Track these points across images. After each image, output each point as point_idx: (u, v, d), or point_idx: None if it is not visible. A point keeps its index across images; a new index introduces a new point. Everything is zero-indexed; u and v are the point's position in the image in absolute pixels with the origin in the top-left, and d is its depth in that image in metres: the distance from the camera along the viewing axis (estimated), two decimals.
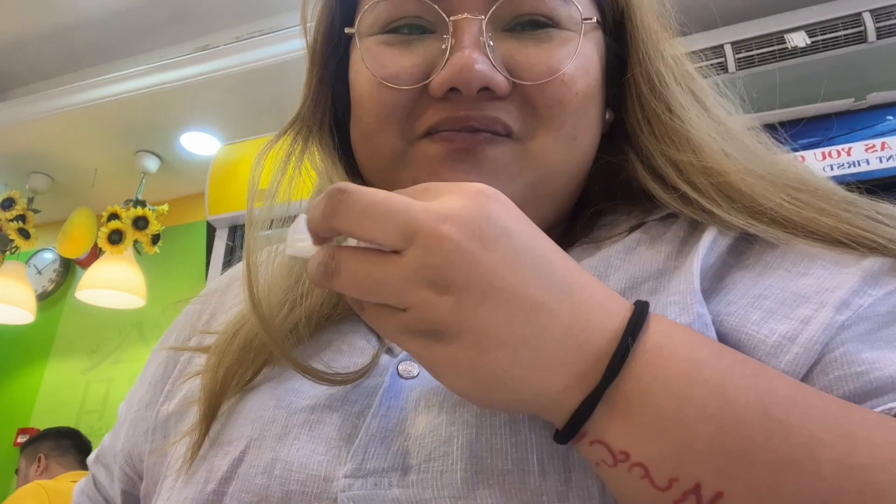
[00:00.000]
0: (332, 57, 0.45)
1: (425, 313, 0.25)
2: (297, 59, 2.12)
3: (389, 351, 0.37)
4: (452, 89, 0.35)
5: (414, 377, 0.34)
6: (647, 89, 0.40)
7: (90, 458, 0.53)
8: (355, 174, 0.44)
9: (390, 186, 0.29)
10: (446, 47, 0.36)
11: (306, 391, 0.35)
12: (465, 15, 0.35)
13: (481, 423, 0.30)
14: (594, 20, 0.39)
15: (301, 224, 0.28)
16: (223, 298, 0.49)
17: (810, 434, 0.23)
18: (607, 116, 0.43)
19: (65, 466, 2.00)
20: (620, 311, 0.26)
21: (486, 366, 0.25)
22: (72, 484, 1.85)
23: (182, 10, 2.28)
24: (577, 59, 0.37)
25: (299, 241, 0.28)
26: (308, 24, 0.45)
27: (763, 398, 0.24)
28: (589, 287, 0.27)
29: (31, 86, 2.66)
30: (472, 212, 0.25)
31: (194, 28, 2.36)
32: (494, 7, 0.36)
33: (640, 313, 0.26)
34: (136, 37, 2.41)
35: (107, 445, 0.50)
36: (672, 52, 0.44)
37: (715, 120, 0.42)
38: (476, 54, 0.35)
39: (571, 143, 0.38)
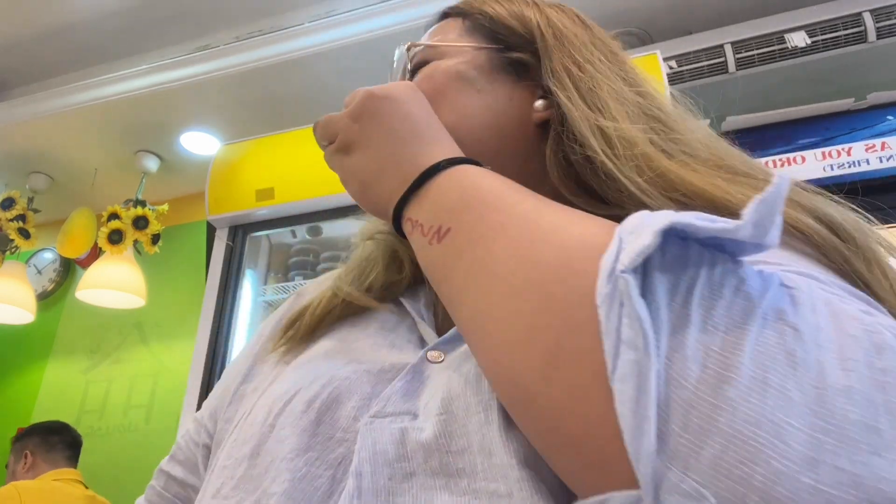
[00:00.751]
0: None
1: (345, 134, 0.45)
2: (297, 58, 2.12)
3: (424, 343, 0.47)
4: None
5: (439, 362, 0.43)
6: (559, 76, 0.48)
7: (164, 460, 0.58)
8: None
9: None
10: None
11: (349, 362, 0.45)
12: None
13: (472, 400, 0.37)
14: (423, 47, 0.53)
15: None
16: (316, 291, 0.58)
17: (529, 222, 0.33)
18: (537, 105, 0.50)
19: (51, 464, 1.97)
20: (444, 156, 0.40)
21: (364, 172, 0.43)
22: (54, 483, 1.86)
23: (182, 10, 2.28)
24: (422, 77, 0.52)
25: None
26: None
27: (507, 195, 0.35)
28: (438, 142, 0.42)
29: (31, 85, 2.66)
30: (385, 89, 0.44)
31: (194, 28, 2.36)
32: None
33: (444, 165, 0.39)
34: (136, 36, 2.41)
35: (192, 429, 0.58)
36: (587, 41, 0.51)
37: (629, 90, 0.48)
38: None
39: (451, 117, 0.49)
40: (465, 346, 0.42)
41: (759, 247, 0.26)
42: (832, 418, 0.22)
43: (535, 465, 0.33)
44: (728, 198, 0.37)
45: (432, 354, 0.43)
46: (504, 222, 0.33)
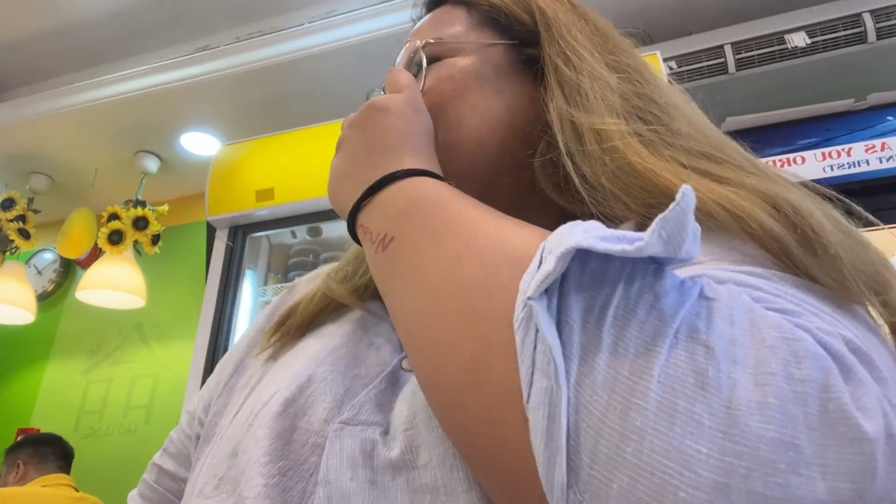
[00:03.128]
0: None
1: (341, 136, 0.46)
2: (296, 59, 2.12)
3: (401, 349, 0.46)
4: None
5: (412, 370, 0.42)
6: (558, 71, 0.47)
7: (157, 454, 0.59)
8: None
9: None
10: None
11: (328, 361, 0.44)
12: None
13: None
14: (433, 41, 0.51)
15: None
16: (307, 287, 0.58)
17: (465, 233, 0.33)
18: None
19: (42, 472, 1.98)
20: (405, 167, 0.40)
21: (337, 172, 0.44)
22: (42, 489, 1.85)
23: (182, 11, 2.28)
24: (443, 77, 0.50)
25: None
26: None
27: (451, 206, 0.35)
28: (408, 155, 0.41)
29: (31, 86, 2.67)
30: (384, 101, 0.44)
31: (194, 28, 2.36)
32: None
33: (401, 175, 0.39)
34: (136, 37, 2.41)
35: (184, 422, 0.58)
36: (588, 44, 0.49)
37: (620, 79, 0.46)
38: None
39: (473, 120, 0.48)
40: None
41: (678, 260, 0.25)
42: (745, 439, 0.21)
43: None
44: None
45: (406, 362, 0.43)
46: (439, 232, 0.33)
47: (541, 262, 0.26)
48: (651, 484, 0.21)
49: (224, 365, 0.56)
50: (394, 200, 0.38)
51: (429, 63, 0.50)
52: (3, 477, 2.01)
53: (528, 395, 0.24)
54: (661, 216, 0.24)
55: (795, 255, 0.32)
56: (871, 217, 0.39)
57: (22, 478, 1.96)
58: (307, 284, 0.59)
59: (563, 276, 0.25)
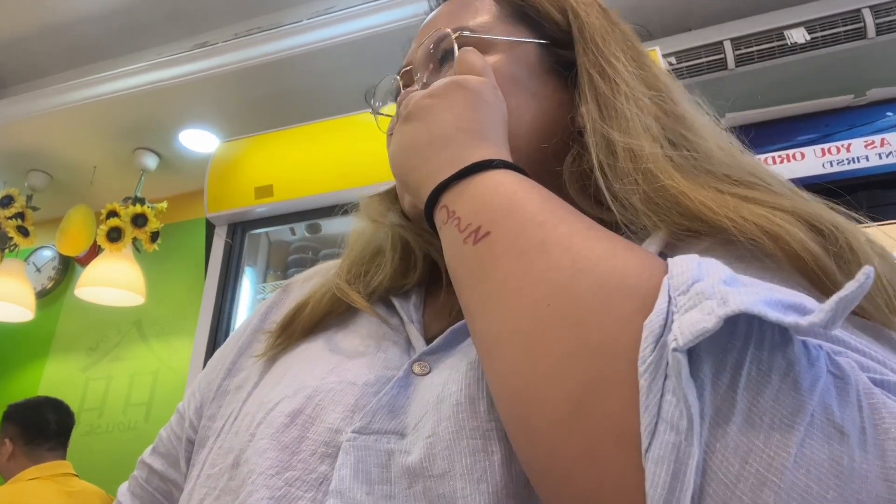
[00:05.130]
0: None
1: (415, 105, 0.43)
2: (295, 56, 2.11)
3: (412, 351, 0.45)
4: None
5: (425, 374, 0.41)
6: (595, 78, 0.47)
7: (147, 451, 0.58)
8: None
9: None
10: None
11: (335, 370, 0.43)
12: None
13: (465, 424, 0.35)
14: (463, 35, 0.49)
15: None
16: (303, 287, 0.57)
17: (565, 236, 0.32)
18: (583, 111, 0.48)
19: (33, 459, 1.88)
20: (498, 157, 0.38)
21: (413, 140, 0.41)
22: (29, 483, 1.77)
23: (180, 8, 2.28)
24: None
25: None
26: None
27: (553, 212, 0.33)
28: (496, 146, 0.40)
29: (29, 83, 2.66)
30: (476, 82, 0.42)
31: (193, 25, 2.36)
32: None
33: (499, 165, 0.37)
34: (134, 34, 2.40)
35: (173, 421, 0.57)
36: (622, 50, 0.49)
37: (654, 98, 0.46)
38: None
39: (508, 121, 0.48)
40: (452, 358, 0.41)
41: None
42: None
43: (524, 500, 0.32)
44: (732, 220, 0.35)
45: (418, 366, 0.42)
46: (545, 241, 0.31)
47: (669, 302, 0.25)
48: None
49: (215, 365, 0.54)
50: (492, 191, 0.36)
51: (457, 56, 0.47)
52: None
53: (649, 445, 0.23)
54: (841, 295, 0.23)
55: (835, 276, 0.32)
56: (855, 215, 0.38)
57: (12, 458, 1.88)
58: (302, 285, 0.57)
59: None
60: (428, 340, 0.44)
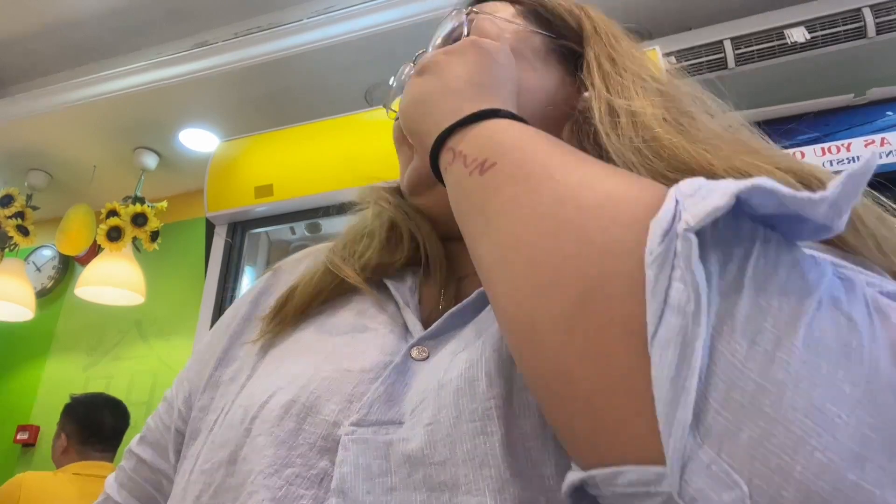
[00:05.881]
0: None
1: (430, 60, 0.45)
2: (295, 55, 2.11)
3: (409, 336, 0.44)
4: None
5: (423, 359, 0.41)
6: (602, 67, 0.49)
7: (134, 440, 0.56)
8: None
9: None
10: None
11: (330, 357, 0.42)
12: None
13: (465, 408, 0.35)
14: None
15: None
16: (294, 270, 0.56)
17: (567, 173, 0.31)
18: (585, 96, 0.50)
19: (82, 455, 1.95)
20: (497, 107, 0.39)
21: (424, 92, 0.43)
22: (72, 476, 1.84)
23: (180, 7, 2.28)
24: None
25: None
26: None
27: (558, 146, 0.34)
28: (504, 101, 0.41)
29: (29, 82, 2.66)
30: (493, 45, 0.45)
31: (192, 24, 2.36)
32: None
33: (506, 115, 0.38)
34: (134, 33, 2.40)
35: (162, 411, 0.56)
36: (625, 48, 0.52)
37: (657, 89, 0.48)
38: None
39: None
40: (452, 343, 0.41)
41: (818, 232, 0.24)
42: (882, 415, 0.21)
43: (529, 479, 0.32)
44: (713, 167, 0.37)
45: (416, 351, 0.41)
46: (551, 165, 0.32)
47: (676, 202, 0.25)
48: (787, 439, 0.20)
49: (205, 353, 0.53)
50: (498, 132, 0.37)
51: (469, 34, 0.51)
52: (54, 438, 2.02)
53: (655, 330, 0.23)
54: (849, 171, 0.22)
55: (844, 238, 0.33)
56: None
57: (64, 452, 1.96)
58: (293, 268, 0.56)
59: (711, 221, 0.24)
60: (425, 325, 0.44)
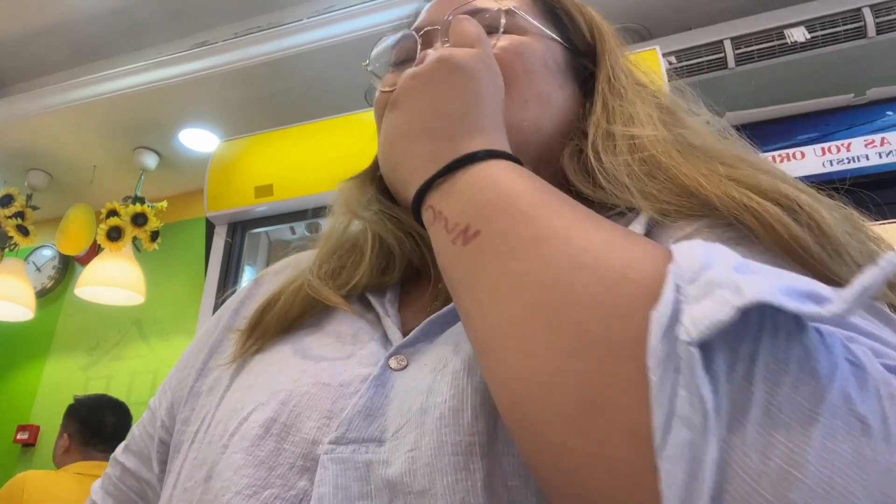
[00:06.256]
0: None
1: (400, 88, 0.41)
2: (295, 55, 2.11)
3: (388, 345, 0.43)
4: None
5: (401, 369, 0.39)
6: (607, 86, 0.50)
7: (119, 448, 0.56)
8: None
9: None
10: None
11: (309, 371, 0.41)
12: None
13: (447, 439, 0.34)
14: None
15: None
16: (275, 280, 0.55)
17: (558, 231, 0.30)
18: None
19: (84, 455, 1.97)
20: (485, 147, 0.37)
21: (397, 130, 0.40)
22: (74, 475, 1.85)
23: (180, 7, 2.28)
24: (513, 52, 0.48)
25: None
26: None
27: (544, 203, 0.32)
28: (486, 131, 0.38)
29: (29, 82, 2.66)
30: (462, 58, 0.40)
31: (192, 24, 2.36)
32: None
33: (483, 156, 0.36)
34: (134, 33, 2.40)
35: (146, 419, 0.55)
36: (626, 65, 0.53)
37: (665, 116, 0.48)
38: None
39: (537, 106, 0.48)
40: (433, 352, 0.39)
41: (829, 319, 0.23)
42: None
43: None
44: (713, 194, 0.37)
45: (394, 361, 0.40)
46: (539, 237, 0.30)
47: (677, 291, 0.24)
48: None
49: (187, 363, 0.53)
50: (477, 188, 0.34)
51: (494, 31, 0.47)
52: (56, 438, 2.04)
53: (663, 443, 0.22)
54: (864, 283, 0.22)
55: (818, 256, 0.34)
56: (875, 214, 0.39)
57: (66, 452, 1.97)
58: (274, 277, 0.56)
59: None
60: (405, 334, 0.43)
